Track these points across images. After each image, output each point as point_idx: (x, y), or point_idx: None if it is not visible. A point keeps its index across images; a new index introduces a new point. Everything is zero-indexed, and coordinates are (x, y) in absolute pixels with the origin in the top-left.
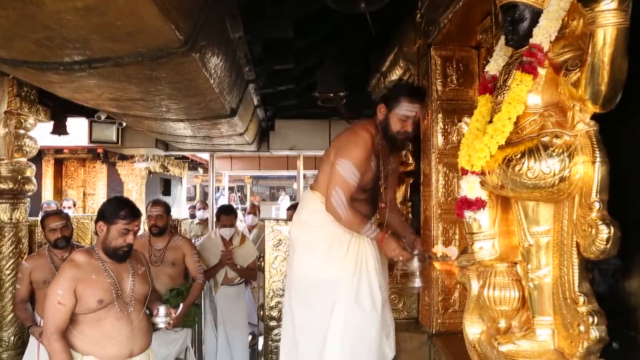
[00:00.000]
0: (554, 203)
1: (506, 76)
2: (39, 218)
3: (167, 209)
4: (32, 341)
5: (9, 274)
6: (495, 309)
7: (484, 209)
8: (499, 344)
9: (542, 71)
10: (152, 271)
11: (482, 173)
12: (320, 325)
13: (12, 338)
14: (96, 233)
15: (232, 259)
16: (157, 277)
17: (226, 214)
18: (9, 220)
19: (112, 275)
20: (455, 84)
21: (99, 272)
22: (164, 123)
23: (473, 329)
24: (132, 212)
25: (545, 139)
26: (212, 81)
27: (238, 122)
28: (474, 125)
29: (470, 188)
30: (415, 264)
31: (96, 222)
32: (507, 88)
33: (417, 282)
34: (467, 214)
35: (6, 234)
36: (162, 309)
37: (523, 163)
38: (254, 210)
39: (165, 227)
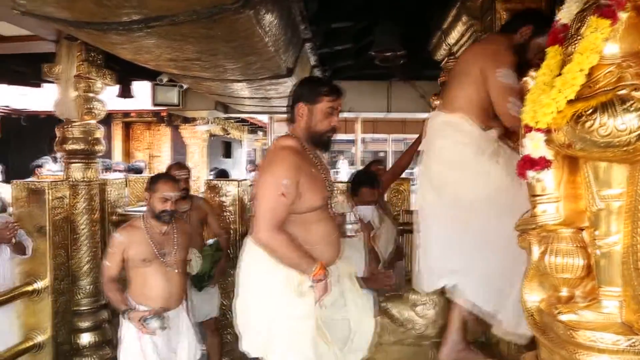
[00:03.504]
0: (628, 164)
1: (579, 24)
2: (108, 176)
3: (189, 171)
4: (130, 333)
5: (83, 229)
6: (557, 276)
7: (548, 169)
8: (559, 313)
9: (622, 15)
10: None
11: (548, 131)
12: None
13: (88, 287)
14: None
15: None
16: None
17: (370, 185)
18: (82, 179)
19: (322, 172)
20: None
21: (314, 166)
22: (222, 84)
23: (532, 297)
24: (336, 89)
25: (623, 92)
26: (267, 39)
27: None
28: (541, 79)
29: (534, 146)
30: None
31: (293, 106)
32: (579, 37)
33: None
34: (530, 174)
35: (80, 191)
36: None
37: (594, 119)
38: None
39: (189, 189)
